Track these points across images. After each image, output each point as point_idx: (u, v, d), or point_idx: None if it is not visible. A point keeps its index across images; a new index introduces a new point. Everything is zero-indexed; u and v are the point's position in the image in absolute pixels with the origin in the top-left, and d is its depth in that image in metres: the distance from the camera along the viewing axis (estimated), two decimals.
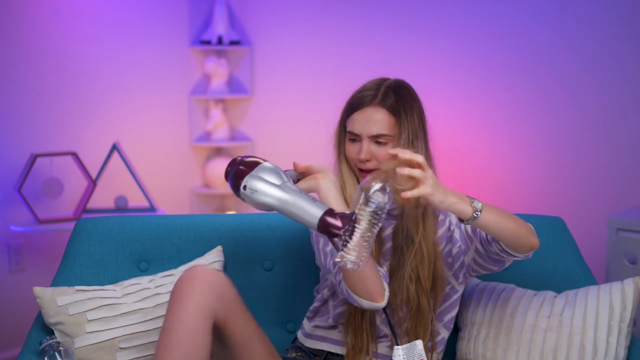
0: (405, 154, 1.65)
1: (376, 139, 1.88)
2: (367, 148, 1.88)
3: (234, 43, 4.04)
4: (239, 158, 1.72)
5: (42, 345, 1.89)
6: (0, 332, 3.36)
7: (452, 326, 2.05)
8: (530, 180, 3.41)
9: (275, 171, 1.68)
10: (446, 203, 1.67)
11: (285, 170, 1.78)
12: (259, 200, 1.66)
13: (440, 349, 2.04)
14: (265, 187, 1.65)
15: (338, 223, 1.60)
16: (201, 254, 2.21)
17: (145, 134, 3.91)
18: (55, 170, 3.44)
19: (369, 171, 1.89)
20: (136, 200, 3.71)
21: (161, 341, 1.77)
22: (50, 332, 2.03)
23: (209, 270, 1.82)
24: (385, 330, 1.98)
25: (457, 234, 1.95)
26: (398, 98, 1.89)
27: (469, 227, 1.90)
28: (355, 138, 1.90)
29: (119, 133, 3.74)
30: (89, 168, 3.51)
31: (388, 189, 1.59)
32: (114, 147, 3.51)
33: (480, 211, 1.70)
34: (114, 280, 2.15)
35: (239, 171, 1.68)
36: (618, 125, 3.18)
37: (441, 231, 1.97)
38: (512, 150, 3.44)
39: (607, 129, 3.21)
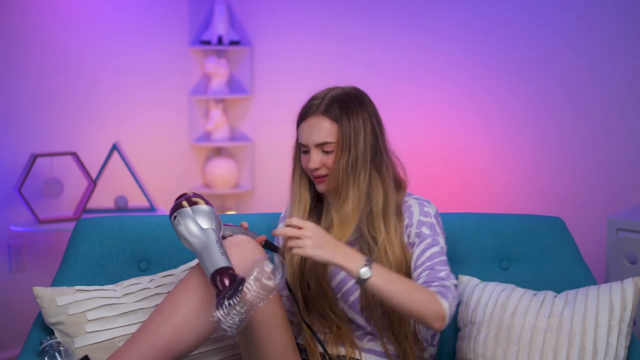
0: (277, 232, 1.76)
1: (322, 148, 1.91)
2: (314, 157, 1.92)
3: (234, 43, 4.04)
4: (190, 194, 1.84)
5: (42, 345, 1.89)
6: (0, 332, 3.37)
7: None
8: (530, 180, 3.41)
9: (209, 216, 1.79)
10: (332, 263, 1.75)
11: (229, 225, 1.90)
12: (180, 232, 1.77)
13: (436, 340, 2.07)
14: (189, 224, 1.76)
15: (225, 282, 1.66)
16: None
17: (145, 134, 3.91)
18: (55, 170, 3.44)
19: (321, 177, 1.93)
20: (136, 200, 3.71)
21: (168, 295, 1.81)
22: (50, 332, 2.03)
23: (251, 247, 1.83)
24: (362, 324, 1.99)
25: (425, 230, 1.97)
26: (341, 105, 1.92)
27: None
28: (306, 148, 1.94)
29: (119, 133, 3.74)
30: (89, 168, 3.51)
31: (282, 272, 1.68)
32: (114, 147, 3.51)
33: (367, 279, 1.74)
34: (114, 280, 2.15)
35: (179, 204, 1.80)
36: (618, 126, 3.19)
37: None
38: (513, 150, 3.45)
39: (607, 129, 3.21)
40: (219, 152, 4.23)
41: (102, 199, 3.64)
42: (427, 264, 1.88)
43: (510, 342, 2.02)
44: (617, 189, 3.19)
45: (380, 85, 3.70)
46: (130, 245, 2.19)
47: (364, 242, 1.94)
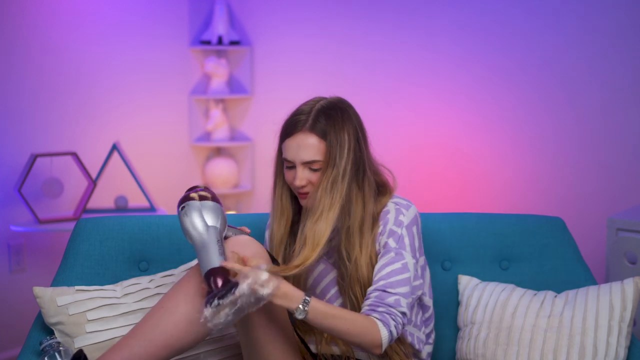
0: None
1: (309, 165, 1.89)
2: (301, 174, 1.90)
3: (234, 43, 4.04)
4: (200, 187, 1.85)
5: (42, 345, 1.89)
6: (0, 332, 3.37)
7: (415, 316, 2.04)
8: (530, 180, 3.41)
9: (216, 213, 1.79)
10: (272, 302, 1.72)
11: (232, 227, 1.90)
12: (184, 224, 1.78)
13: (432, 338, 2.07)
14: (195, 218, 1.77)
15: (218, 282, 1.68)
16: None
17: (145, 134, 3.91)
18: (55, 170, 3.44)
19: (306, 193, 1.91)
20: (136, 200, 3.71)
21: (169, 292, 1.81)
22: (50, 332, 2.03)
23: (256, 248, 1.83)
24: None
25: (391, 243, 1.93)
26: (328, 121, 1.89)
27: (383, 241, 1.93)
28: (291, 165, 1.92)
29: (119, 133, 3.74)
30: (89, 168, 3.51)
31: (275, 282, 1.67)
32: (114, 147, 3.51)
33: (304, 318, 1.73)
34: (114, 280, 2.15)
35: (189, 196, 1.82)
36: (618, 126, 3.19)
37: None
38: (513, 150, 3.45)
39: (607, 129, 3.21)
40: (219, 152, 4.23)
41: (102, 199, 3.64)
42: (382, 282, 1.85)
43: (510, 342, 2.02)
44: (617, 189, 3.19)
45: (380, 85, 3.70)
46: (130, 245, 2.19)
47: (340, 258, 1.92)
